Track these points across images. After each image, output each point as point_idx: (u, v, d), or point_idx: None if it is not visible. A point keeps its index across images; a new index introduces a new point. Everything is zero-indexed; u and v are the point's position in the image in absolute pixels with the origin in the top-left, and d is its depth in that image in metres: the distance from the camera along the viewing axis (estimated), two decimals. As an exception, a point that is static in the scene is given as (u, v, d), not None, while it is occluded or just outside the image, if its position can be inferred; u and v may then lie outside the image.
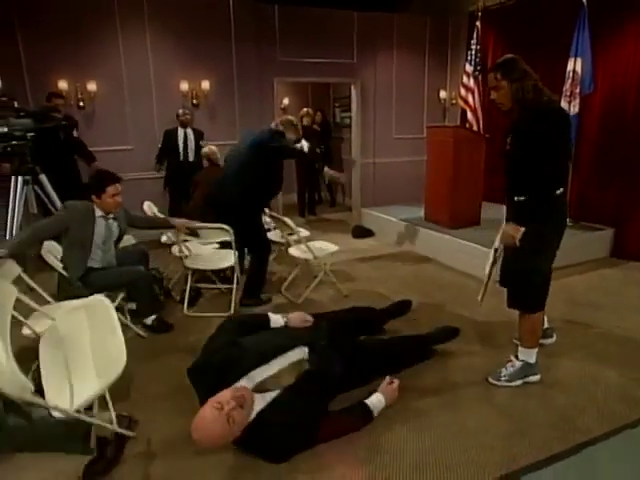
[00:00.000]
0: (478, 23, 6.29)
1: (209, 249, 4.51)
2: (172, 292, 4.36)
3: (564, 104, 4.91)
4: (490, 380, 2.81)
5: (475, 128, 6.14)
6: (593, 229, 5.29)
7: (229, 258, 4.04)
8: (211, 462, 2.19)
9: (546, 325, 3.12)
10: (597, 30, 5.02)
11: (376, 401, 2.46)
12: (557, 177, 2.53)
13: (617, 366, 2.98)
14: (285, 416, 2.16)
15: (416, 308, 3.87)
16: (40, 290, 3.04)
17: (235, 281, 4.03)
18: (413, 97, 8.00)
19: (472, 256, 4.72)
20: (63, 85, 5.88)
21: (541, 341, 2.99)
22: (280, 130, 3.95)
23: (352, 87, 7.80)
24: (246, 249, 4.38)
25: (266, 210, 4.30)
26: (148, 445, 2.34)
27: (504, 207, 2.78)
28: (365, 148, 7.93)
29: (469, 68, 6.28)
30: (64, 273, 3.36)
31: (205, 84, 6.58)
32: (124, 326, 3.52)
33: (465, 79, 6.33)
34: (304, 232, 4.72)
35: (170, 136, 6.13)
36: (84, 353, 2.30)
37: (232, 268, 4.02)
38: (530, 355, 2.79)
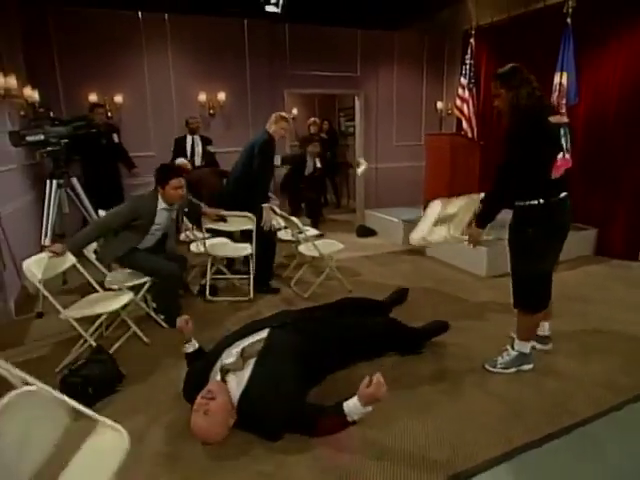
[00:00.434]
0: (472, 40, 6.28)
1: (223, 242, 4.48)
2: (190, 286, 4.36)
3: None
4: (486, 367, 2.80)
5: (470, 136, 6.12)
6: (578, 229, 5.27)
7: (245, 248, 4.06)
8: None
9: (546, 333, 3.01)
10: (581, 46, 5.00)
11: (352, 405, 2.15)
12: (529, 186, 2.44)
13: (604, 355, 2.97)
14: (257, 389, 2.17)
15: (416, 300, 3.88)
16: (91, 279, 3.18)
17: (252, 268, 4.09)
18: (412, 108, 7.99)
19: (467, 254, 4.71)
20: (93, 97, 5.90)
21: (538, 347, 2.96)
22: (268, 139, 4.08)
23: (356, 98, 7.78)
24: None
25: (276, 210, 4.31)
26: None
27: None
28: (368, 154, 7.90)
29: (464, 81, 6.27)
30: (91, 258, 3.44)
31: (221, 95, 6.59)
32: (147, 316, 3.57)
33: (460, 91, 6.31)
34: (312, 231, 4.72)
35: (179, 143, 6.13)
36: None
37: (248, 258, 4.08)
38: (525, 346, 2.77)
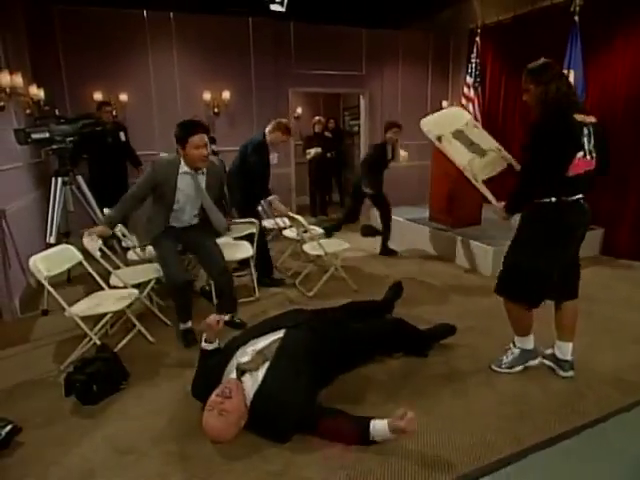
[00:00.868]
0: (478, 39, 6.26)
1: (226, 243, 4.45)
2: (195, 288, 4.33)
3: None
4: (493, 367, 2.77)
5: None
6: (585, 229, 5.22)
7: (246, 249, 4.01)
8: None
9: (567, 357, 2.70)
10: (588, 44, 4.97)
11: (380, 427, 2.04)
12: (544, 182, 2.39)
13: (611, 355, 2.94)
14: (270, 391, 2.13)
15: (421, 300, 3.86)
16: (97, 277, 3.20)
17: (253, 270, 4.09)
18: (417, 106, 7.92)
19: (473, 253, 4.68)
20: (98, 96, 5.92)
21: (560, 373, 2.70)
22: (262, 142, 4.15)
23: (361, 97, 7.77)
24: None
25: (281, 207, 4.29)
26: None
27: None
28: (372, 154, 7.88)
29: (469, 80, 6.25)
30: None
31: (226, 94, 6.59)
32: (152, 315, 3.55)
33: (466, 90, 6.29)
34: (317, 230, 4.70)
35: None
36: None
37: (249, 258, 4.02)
38: (525, 342, 2.72)
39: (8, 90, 4.06)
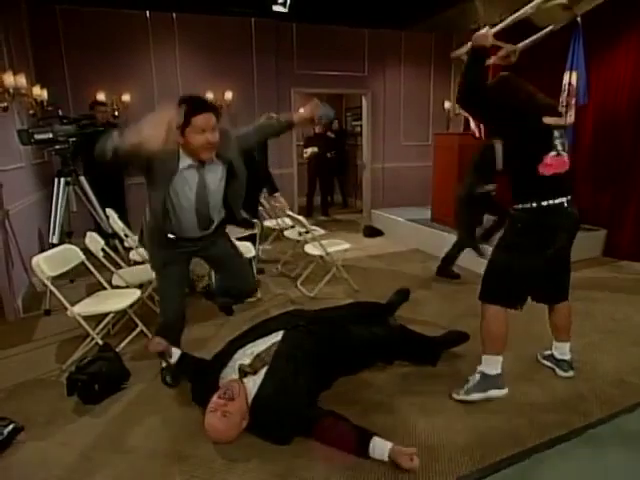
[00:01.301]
0: (480, 39, 6.23)
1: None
2: (197, 289, 4.33)
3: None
4: (452, 395, 2.47)
5: (477, 136, 6.07)
6: (587, 230, 5.21)
7: (247, 250, 4.00)
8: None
9: (566, 357, 2.70)
10: (592, 45, 4.95)
11: (380, 445, 1.98)
12: (521, 185, 2.39)
13: (613, 356, 2.93)
14: (269, 393, 2.13)
15: (424, 302, 3.85)
16: (99, 277, 3.22)
17: (255, 271, 4.17)
18: (419, 107, 7.96)
19: (475, 254, 4.66)
20: (101, 96, 5.92)
21: (558, 372, 2.69)
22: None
23: (363, 98, 7.77)
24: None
25: (288, 212, 4.31)
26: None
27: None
28: (375, 154, 7.90)
29: (471, 80, 6.22)
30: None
31: (228, 94, 6.58)
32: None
33: (468, 90, 6.26)
34: (319, 230, 4.70)
35: None
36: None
37: (251, 259, 4.03)
38: (491, 364, 2.42)
39: (11, 90, 4.07)
